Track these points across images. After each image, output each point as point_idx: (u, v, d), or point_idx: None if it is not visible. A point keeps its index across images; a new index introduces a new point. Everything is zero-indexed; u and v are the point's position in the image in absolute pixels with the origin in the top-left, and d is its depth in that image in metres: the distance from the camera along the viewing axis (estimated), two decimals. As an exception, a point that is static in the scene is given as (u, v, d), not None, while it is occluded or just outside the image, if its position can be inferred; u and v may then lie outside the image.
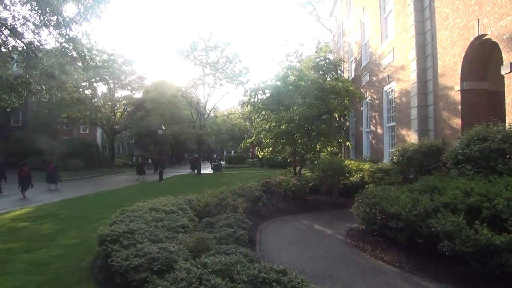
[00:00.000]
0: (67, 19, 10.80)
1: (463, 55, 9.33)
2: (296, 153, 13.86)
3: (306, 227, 8.66)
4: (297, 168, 13.99)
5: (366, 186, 10.39)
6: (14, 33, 10.67)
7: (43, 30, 10.99)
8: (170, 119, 33.66)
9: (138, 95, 39.87)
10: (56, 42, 11.18)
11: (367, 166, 12.57)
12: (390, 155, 12.81)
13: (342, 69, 23.37)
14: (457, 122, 9.63)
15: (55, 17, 10.70)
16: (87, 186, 20.67)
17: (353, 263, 5.85)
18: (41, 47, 11.24)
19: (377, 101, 15.95)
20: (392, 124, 14.32)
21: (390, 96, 14.65)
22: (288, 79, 14.05)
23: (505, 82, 7.45)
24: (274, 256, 6.23)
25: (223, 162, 48.65)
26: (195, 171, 33.96)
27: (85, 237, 7.74)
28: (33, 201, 14.52)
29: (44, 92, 12.80)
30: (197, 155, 37.20)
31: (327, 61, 22.88)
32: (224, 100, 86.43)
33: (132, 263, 4.46)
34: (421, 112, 11.35)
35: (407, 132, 12.39)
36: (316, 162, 13.45)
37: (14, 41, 10.95)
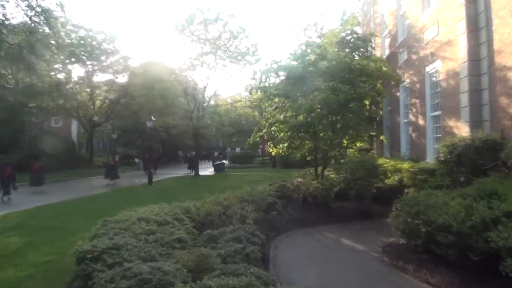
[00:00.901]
0: (37, -13, 10.83)
1: (528, 26, 9.13)
2: (317, 150, 13.77)
3: (332, 241, 8.62)
4: (319, 169, 13.91)
5: (406, 190, 10.25)
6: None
7: (8, 1, 11.03)
8: (161, 109, 33.81)
9: (122, 79, 40.07)
10: (25, 15, 11.22)
11: (406, 165, 12.44)
12: (435, 152, 12.66)
13: (374, 46, 23.11)
14: (520, 110, 9.45)
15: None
16: (60, 191, 20.82)
17: (391, 287, 5.79)
18: (6, 22, 11.28)
19: (417, 85, 15.76)
20: (436, 113, 14.14)
21: (434, 79, 14.45)
22: (307, 58, 13.93)
23: None
24: (293, 277, 6.18)
25: (227, 161, 48.77)
26: (193, 172, 34.07)
27: (61, 254, 7.78)
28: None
29: (10, 76, 12.89)
30: (194, 152, 37.32)
31: (354, 35, 22.62)
32: (227, 85, 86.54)
33: (119, 286, 4.45)
34: (473, 98, 11.16)
35: (455, 123, 12.21)
36: (342, 161, 13.37)
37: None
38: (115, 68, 38.68)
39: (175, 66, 33.84)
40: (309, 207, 11.41)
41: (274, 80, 14.00)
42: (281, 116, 13.78)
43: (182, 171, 37.46)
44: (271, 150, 15.50)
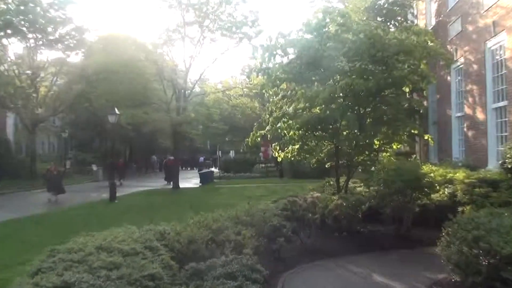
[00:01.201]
0: None
1: None
2: (339, 154, 13.75)
3: (360, 278, 8.57)
4: (342, 180, 13.90)
5: (460, 209, 10.27)
6: None
7: None
8: (128, 98, 33.71)
9: (75, 58, 40.08)
10: None
11: (460, 175, 12.41)
12: (499, 157, 12.62)
13: (415, 13, 23.12)
14: None
15: None
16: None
17: None
18: None
19: (475, 66, 15.75)
20: (501, 103, 14.12)
21: (497, 57, 14.44)
22: (326, 30, 13.91)
23: None
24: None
25: (216, 169, 48.73)
26: (171, 183, 34.06)
27: (-9, 295, 7.74)
28: None
29: None
30: (173, 157, 37.29)
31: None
32: (218, 66, 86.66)
33: None
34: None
35: (527, 118, 12.22)
36: (373, 168, 13.31)
37: None
38: (66, 43, 38.60)
39: (148, 40, 33.87)
40: (329, 231, 11.38)
41: (280, 59, 13.95)
42: (290, 108, 13.71)
43: (157, 182, 37.49)
44: (276, 154, 15.44)
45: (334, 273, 8.94)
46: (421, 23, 22.28)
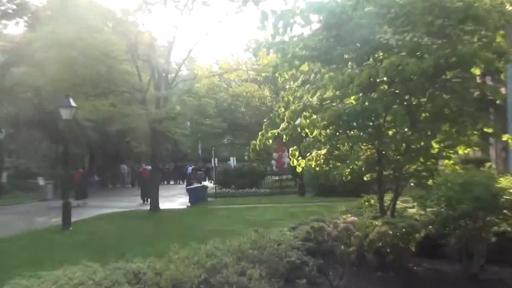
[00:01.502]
0: None
1: None
2: (384, 162, 13.73)
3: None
4: (387, 197, 13.83)
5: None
6: None
7: None
8: (88, 84, 33.71)
9: (15, 29, 40.36)
10: None
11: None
12: None
13: (488, -35, 23.10)
14: None
15: None
16: None
17: None
18: None
19: None
20: None
21: None
22: (363, -10, 13.91)
23: None
24: None
25: (211, 183, 48.76)
26: (148, 201, 34.11)
27: None
28: None
29: None
30: (149, 167, 37.36)
31: None
32: (213, 40, 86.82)
33: None
34: None
35: None
36: (431, 181, 13.26)
37: None
38: (2, 8, 38.83)
39: (116, 5, 33.98)
40: (369, 270, 11.36)
41: (300, 30, 13.96)
42: (315, 98, 13.70)
43: (129, 201, 37.55)
44: (295, 162, 15.41)
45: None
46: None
